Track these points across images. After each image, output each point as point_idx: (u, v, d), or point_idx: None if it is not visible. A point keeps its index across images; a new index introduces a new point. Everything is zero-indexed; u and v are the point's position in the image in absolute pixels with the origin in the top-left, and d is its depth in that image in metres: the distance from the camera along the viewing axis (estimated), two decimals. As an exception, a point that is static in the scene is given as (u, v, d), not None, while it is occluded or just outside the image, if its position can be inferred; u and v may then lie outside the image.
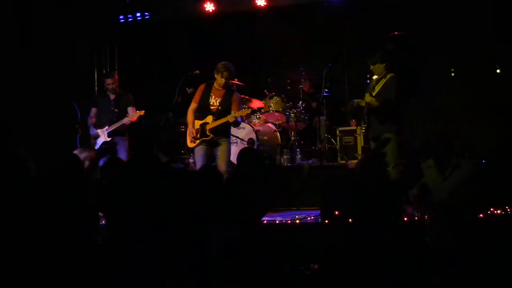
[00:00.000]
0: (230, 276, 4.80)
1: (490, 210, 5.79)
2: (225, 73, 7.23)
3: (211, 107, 7.36)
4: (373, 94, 6.81)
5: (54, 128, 9.01)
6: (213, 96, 7.37)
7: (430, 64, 8.81)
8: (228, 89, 7.38)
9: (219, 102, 7.34)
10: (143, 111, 8.16)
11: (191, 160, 8.81)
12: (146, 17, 10.53)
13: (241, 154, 5.51)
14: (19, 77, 9.34)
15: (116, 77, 8.43)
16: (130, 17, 10.54)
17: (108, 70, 10.26)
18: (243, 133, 8.70)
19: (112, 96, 8.35)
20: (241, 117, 7.51)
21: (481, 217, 5.49)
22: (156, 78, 10.17)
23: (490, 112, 8.58)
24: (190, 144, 7.47)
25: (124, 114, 8.26)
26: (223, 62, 7.29)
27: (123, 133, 8.24)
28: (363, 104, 6.90)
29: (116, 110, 8.27)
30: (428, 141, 5.59)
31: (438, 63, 8.91)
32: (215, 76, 7.31)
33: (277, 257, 5.01)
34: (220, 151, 7.31)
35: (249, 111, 7.84)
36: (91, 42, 10.18)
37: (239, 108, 7.39)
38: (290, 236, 6.02)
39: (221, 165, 7.27)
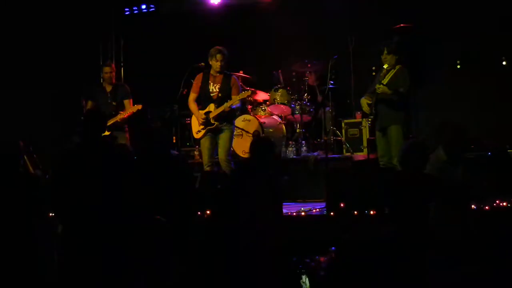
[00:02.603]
0: (236, 266, 4.82)
1: (495, 203, 5.78)
2: (218, 55, 7.24)
3: (211, 94, 7.36)
4: (384, 84, 6.75)
5: (59, 121, 9.02)
6: (212, 83, 7.37)
7: (436, 56, 8.77)
8: (225, 74, 7.38)
9: (219, 88, 7.33)
10: (141, 106, 7.82)
11: (196, 152, 8.84)
12: (152, 9, 10.52)
13: (255, 143, 5.48)
14: (24, 69, 9.36)
15: (114, 66, 8.16)
16: (135, 9, 10.54)
17: (114, 62, 10.21)
18: (248, 125, 8.70)
19: (108, 88, 7.98)
20: (241, 100, 7.50)
21: (487, 210, 5.48)
22: (161, 70, 10.15)
23: (496, 104, 8.54)
24: (196, 135, 7.47)
25: (121, 107, 7.88)
26: (214, 47, 7.30)
27: (122, 126, 7.84)
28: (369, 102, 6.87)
29: (113, 103, 7.89)
30: (439, 131, 5.48)
31: (443, 55, 8.87)
32: (210, 62, 7.33)
33: (283, 249, 5.02)
34: (222, 139, 7.29)
35: (249, 92, 7.80)
36: (96, 34, 10.17)
37: (239, 91, 7.39)
38: (295, 228, 6.02)
39: (221, 153, 7.27)
